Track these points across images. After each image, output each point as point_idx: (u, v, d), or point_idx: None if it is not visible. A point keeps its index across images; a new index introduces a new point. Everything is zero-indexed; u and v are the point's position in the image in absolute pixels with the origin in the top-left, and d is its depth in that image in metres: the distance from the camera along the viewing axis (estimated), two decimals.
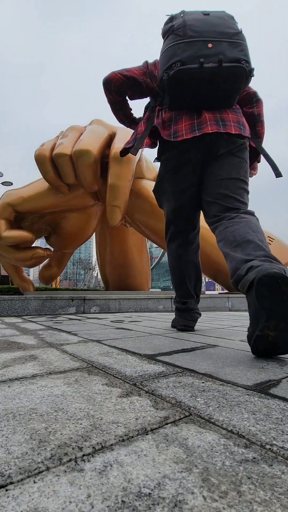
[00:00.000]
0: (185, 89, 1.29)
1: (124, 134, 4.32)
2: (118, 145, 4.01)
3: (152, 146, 1.51)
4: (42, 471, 0.44)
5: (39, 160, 4.18)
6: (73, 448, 0.50)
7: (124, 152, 1.54)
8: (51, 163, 4.17)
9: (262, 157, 1.58)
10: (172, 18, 1.39)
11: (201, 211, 1.63)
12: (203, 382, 0.89)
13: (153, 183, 5.50)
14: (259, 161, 1.72)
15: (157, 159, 1.65)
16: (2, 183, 17.61)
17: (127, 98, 1.70)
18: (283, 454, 0.49)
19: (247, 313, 4.52)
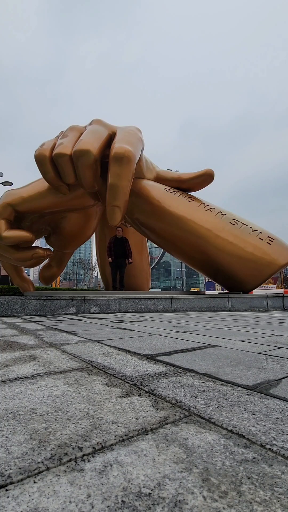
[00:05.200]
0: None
1: (124, 134, 4.30)
2: (118, 145, 4.00)
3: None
4: (42, 471, 0.44)
5: (39, 160, 4.17)
6: (73, 448, 0.50)
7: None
8: (51, 163, 4.16)
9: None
10: None
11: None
12: (203, 382, 0.89)
13: (153, 183, 5.50)
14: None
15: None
16: (2, 183, 17.60)
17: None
18: (283, 454, 0.49)
19: (247, 313, 4.53)
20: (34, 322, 2.86)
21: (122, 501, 0.38)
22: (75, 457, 0.48)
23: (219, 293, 5.87)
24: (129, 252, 6.29)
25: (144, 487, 0.40)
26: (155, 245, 6.74)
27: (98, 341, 1.66)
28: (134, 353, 1.33)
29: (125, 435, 0.55)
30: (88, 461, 0.47)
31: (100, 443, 0.52)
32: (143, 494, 0.39)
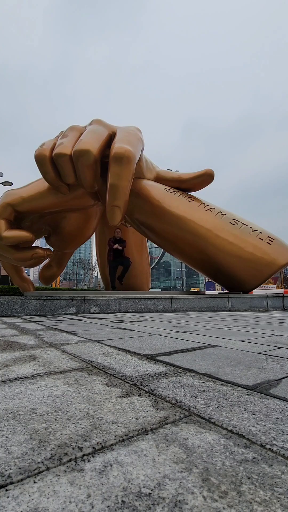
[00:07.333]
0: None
1: (124, 134, 4.30)
2: (118, 145, 4.00)
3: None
4: (42, 471, 0.44)
5: (39, 160, 4.17)
6: (73, 448, 0.50)
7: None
8: (51, 163, 4.16)
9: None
10: None
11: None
12: (203, 382, 0.89)
13: (153, 183, 5.50)
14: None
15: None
16: (2, 183, 17.61)
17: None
18: (283, 454, 0.49)
19: (247, 313, 4.52)
20: (34, 322, 2.86)
21: (122, 501, 0.38)
22: (75, 457, 0.48)
23: (219, 293, 5.87)
24: (123, 247, 6.34)
25: (144, 487, 0.40)
26: (155, 245, 6.71)
27: (98, 341, 1.66)
28: (134, 353, 1.33)
29: (125, 435, 0.55)
30: (88, 461, 0.47)
31: (100, 443, 0.52)
32: (143, 494, 0.39)
